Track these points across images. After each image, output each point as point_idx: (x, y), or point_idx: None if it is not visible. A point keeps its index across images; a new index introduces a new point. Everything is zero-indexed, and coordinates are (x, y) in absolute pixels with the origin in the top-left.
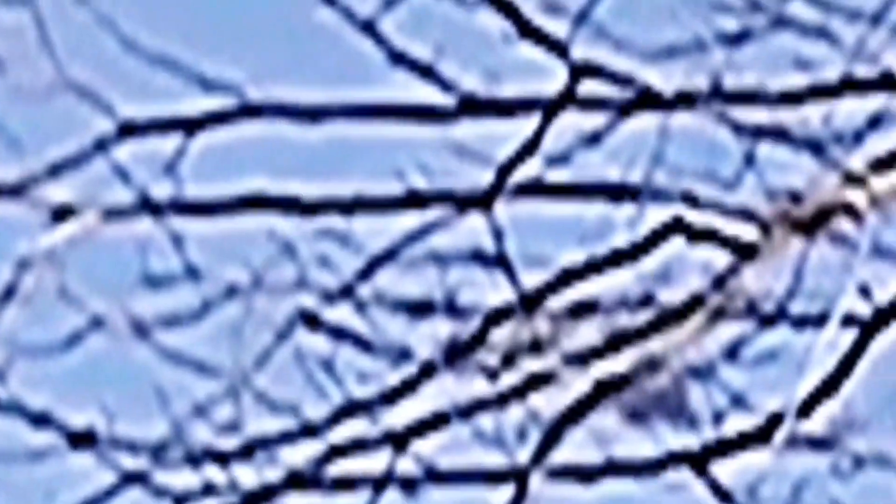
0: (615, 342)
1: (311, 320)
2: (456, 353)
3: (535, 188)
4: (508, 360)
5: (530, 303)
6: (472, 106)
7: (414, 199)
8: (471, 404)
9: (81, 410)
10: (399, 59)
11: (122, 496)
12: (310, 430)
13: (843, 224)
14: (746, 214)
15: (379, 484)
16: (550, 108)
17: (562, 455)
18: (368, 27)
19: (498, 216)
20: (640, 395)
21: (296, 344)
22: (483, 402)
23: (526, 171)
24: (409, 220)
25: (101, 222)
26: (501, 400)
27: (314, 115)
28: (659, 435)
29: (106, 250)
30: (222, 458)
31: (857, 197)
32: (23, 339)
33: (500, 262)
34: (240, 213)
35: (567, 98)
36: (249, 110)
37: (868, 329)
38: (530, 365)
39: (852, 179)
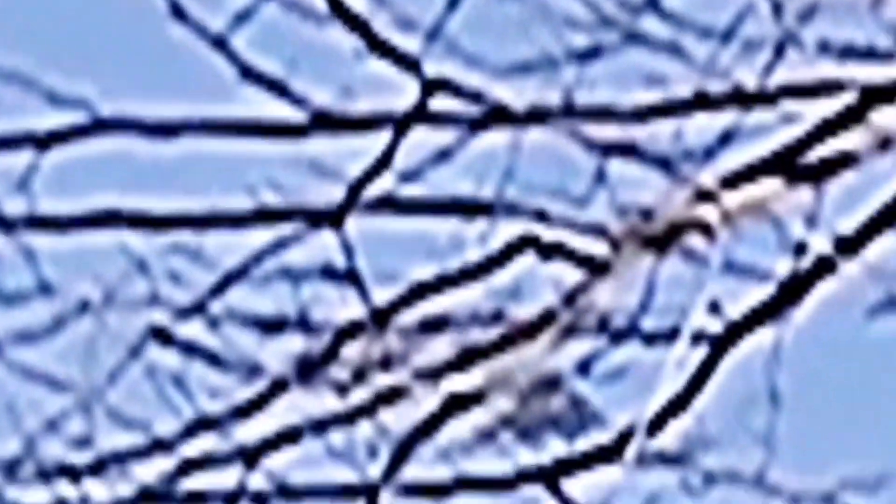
0: (466, 358)
1: (162, 336)
2: (307, 369)
3: (387, 204)
4: (359, 375)
5: (381, 318)
6: (323, 121)
7: (266, 215)
8: (322, 420)
9: None
10: (250, 74)
11: None
12: (161, 446)
13: (695, 240)
14: (597, 230)
15: (230, 499)
16: (402, 124)
17: (413, 471)
18: (220, 43)
19: (349, 232)
20: (535, 414)
21: (147, 360)
22: (334, 418)
23: (377, 186)
24: (261, 235)
25: None
26: (352, 415)
27: (166, 130)
28: (510, 451)
29: None
30: (74, 474)
31: (708, 213)
32: None
33: (351, 277)
34: (92, 228)
35: (419, 113)
36: (101, 126)
37: (719, 345)
38: (381, 380)
39: (703, 196)
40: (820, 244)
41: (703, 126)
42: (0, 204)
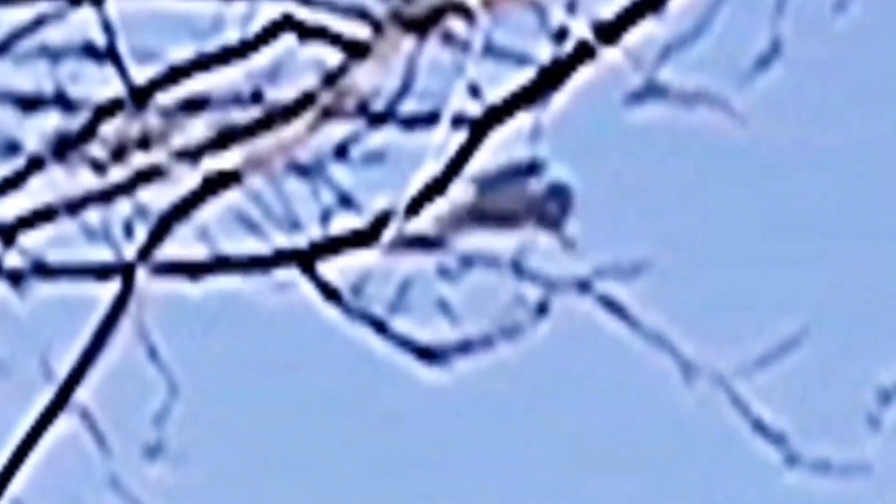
0: (225, 138)
1: None
2: (65, 147)
3: None
4: (118, 154)
5: (140, 97)
6: None
7: None
8: (79, 198)
9: None
10: None
11: None
12: None
13: (455, 24)
14: (358, 13)
15: None
16: None
17: (169, 250)
18: None
19: (109, 10)
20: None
21: None
22: (91, 196)
23: None
24: (21, 13)
25: None
26: (110, 194)
27: None
28: (266, 233)
29: None
30: None
31: None
32: None
33: (110, 55)
34: None
35: None
36: None
37: (478, 129)
38: (139, 159)
39: None
40: (580, 30)
41: None
42: None
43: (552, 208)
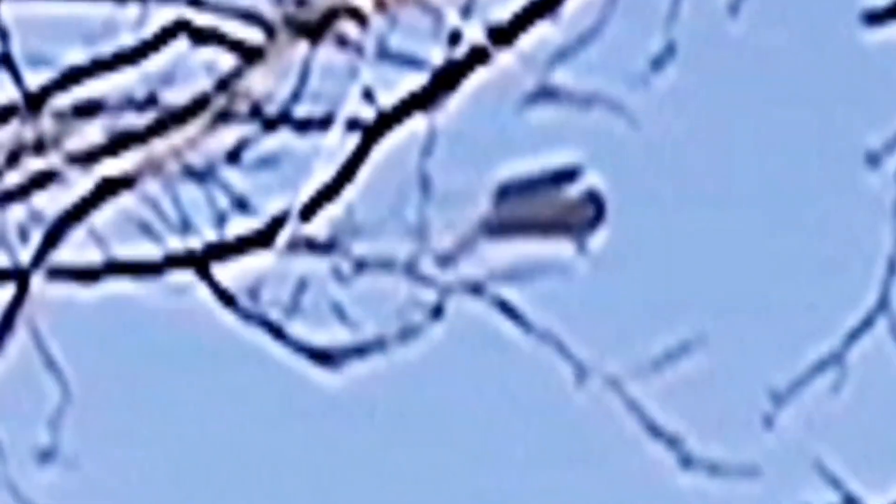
0: (119, 142)
1: None
2: None
3: None
4: (12, 158)
5: (35, 102)
6: None
7: None
8: None
9: None
10: None
11: None
12: None
13: (349, 27)
14: (252, 17)
15: None
16: None
17: (64, 255)
18: None
19: (3, 15)
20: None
21: None
22: None
23: None
24: None
25: None
26: (4, 199)
27: None
28: (161, 236)
29: None
30: None
31: (362, 0)
32: None
33: (4, 60)
34: None
35: None
36: None
37: (371, 133)
38: (34, 164)
39: None
40: (474, 33)
41: None
42: None
43: (586, 216)
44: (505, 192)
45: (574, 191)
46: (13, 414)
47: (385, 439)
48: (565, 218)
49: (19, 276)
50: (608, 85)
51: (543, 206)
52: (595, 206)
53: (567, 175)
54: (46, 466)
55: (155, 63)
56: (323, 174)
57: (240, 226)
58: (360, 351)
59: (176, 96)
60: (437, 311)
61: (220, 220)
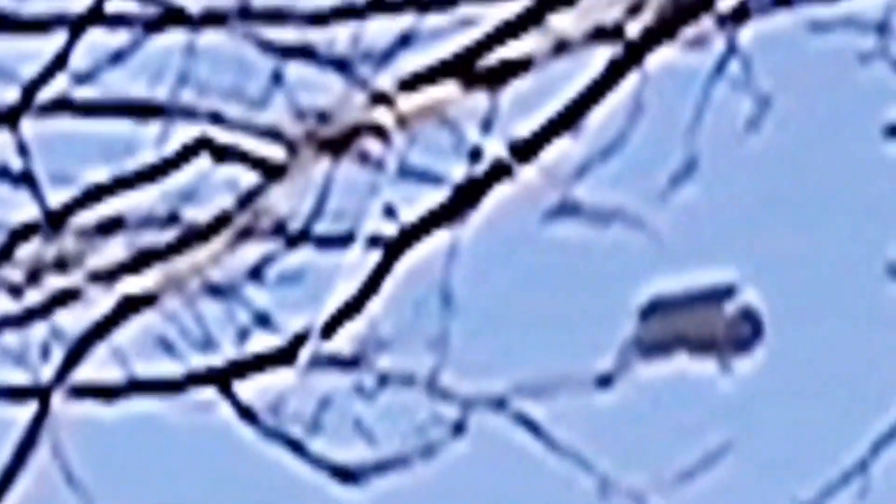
0: (141, 260)
1: None
2: None
3: (62, 105)
4: (34, 276)
5: (56, 220)
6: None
7: None
8: None
9: None
10: None
11: None
12: None
13: (370, 144)
14: (273, 134)
15: None
16: (77, 25)
17: (85, 373)
18: None
19: (24, 133)
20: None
21: None
22: (8, 319)
23: (53, 88)
24: None
25: None
26: (26, 317)
27: None
28: (183, 354)
29: None
30: None
31: (384, 117)
32: None
33: (26, 178)
34: None
35: (94, 15)
36: None
37: (393, 249)
38: (55, 282)
39: (379, 99)
40: (495, 148)
41: (380, 29)
42: None
43: (744, 332)
44: (652, 310)
45: (729, 308)
46: None
47: None
48: (725, 334)
49: (41, 395)
50: (629, 199)
51: (697, 324)
52: (753, 323)
53: (722, 293)
54: None
55: (177, 180)
56: (345, 291)
57: (262, 343)
58: (381, 468)
59: (198, 214)
60: (458, 427)
61: (242, 336)
